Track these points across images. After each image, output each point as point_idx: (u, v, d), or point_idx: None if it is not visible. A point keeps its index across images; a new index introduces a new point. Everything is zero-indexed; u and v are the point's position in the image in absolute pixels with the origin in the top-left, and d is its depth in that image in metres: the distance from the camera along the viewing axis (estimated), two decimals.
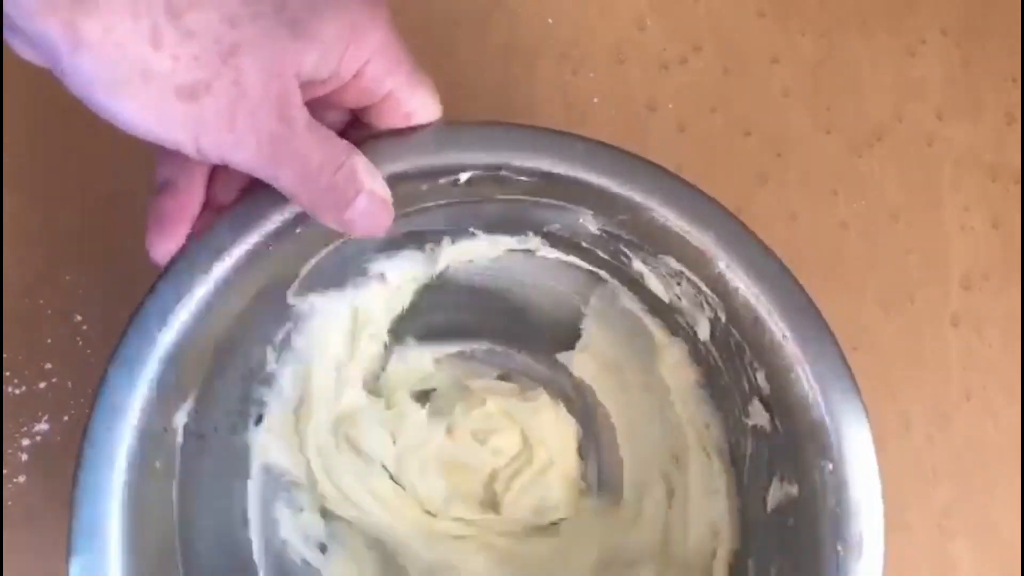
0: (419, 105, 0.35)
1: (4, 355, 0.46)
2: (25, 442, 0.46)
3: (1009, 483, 0.48)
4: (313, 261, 0.38)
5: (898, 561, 0.47)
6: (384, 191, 0.34)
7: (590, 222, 0.38)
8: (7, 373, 0.46)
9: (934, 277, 0.50)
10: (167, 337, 0.34)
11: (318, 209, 0.34)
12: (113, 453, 0.34)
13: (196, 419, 0.37)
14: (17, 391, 0.46)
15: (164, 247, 0.35)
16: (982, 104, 0.51)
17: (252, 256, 0.35)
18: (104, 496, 0.34)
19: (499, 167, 0.36)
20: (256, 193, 0.35)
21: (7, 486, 0.45)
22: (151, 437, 0.35)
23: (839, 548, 0.35)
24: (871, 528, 0.36)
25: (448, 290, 0.44)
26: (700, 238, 0.36)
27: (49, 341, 0.46)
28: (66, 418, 0.46)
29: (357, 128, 0.36)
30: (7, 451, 0.45)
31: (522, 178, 0.36)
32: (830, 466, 0.36)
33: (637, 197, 0.36)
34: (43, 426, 0.46)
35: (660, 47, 0.51)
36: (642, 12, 0.51)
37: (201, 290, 0.35)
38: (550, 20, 0.50)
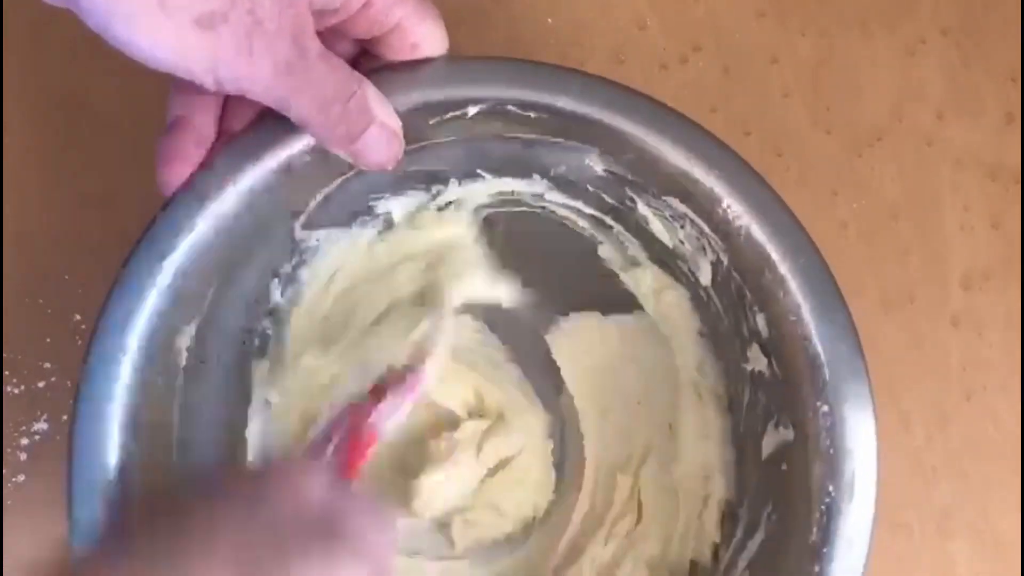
0: (426, 35, 0.36)
1: (4, 355, 0.46)
2: (24, 441, 0.46)
3: (1009, 483, 0.48)
4: (320, 195, 0.38)
5: (898, 561, 0.48)
6: (395, 122, 0.35)
7: (596, 162, 0.38)
8: (7, 373, 0.46)
9: (934, 277, 0.50)
10: (173, 259, 0.35)
11: (330, 138, 0.34)
12: (116, 367, 0.34)
13: (199, 343, 0.37)
14: (17, 391, 0.46)
15: (176, 183, 0.35)
16: (982, 104, 0.51)
17: (260, 185, 0.36)
18: (106, 409, 0.34)
19: (506, 102, 0.36)
20: (265, 123, 0.35)
21: (7, 486, 0.45)
22: (154, 355, 0.35)
23: (831, 490, 0.35)
24: (864, 469, 0.36)
25: None
26: (705, 177, 0.36)
27: (49, 341, 0.46)
28: (65, 417, 0.46)
29: (366, 60, 0.37)
30: (7, 450, 0.45)
31: (529, 114, 0.36)
32: (826, 408, 0.36)
33: (643, 134, 0.36)
34: (42, 426, 0.46)
35: (660, 47, 0.51)
36: (642, 12, 0.51)
37: (208, 215, 0.35)
38: (550, 20, 0.50)
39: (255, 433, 0.43)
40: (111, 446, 0.34)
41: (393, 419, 0.38)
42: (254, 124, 0.36)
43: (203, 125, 0.35)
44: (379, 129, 0.34)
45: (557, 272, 0.45)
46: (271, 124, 0.35)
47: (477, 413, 0.46)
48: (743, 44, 0.51)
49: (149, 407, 0.35)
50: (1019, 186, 0.50)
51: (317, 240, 0.41)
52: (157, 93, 0.36)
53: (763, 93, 0.51)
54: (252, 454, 0.43)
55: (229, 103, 0.36)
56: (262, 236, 0.38)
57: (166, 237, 0.35)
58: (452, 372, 0.46)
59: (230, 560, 0.26)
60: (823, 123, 0.50)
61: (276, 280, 0.42)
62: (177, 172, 0.35)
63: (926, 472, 0.48)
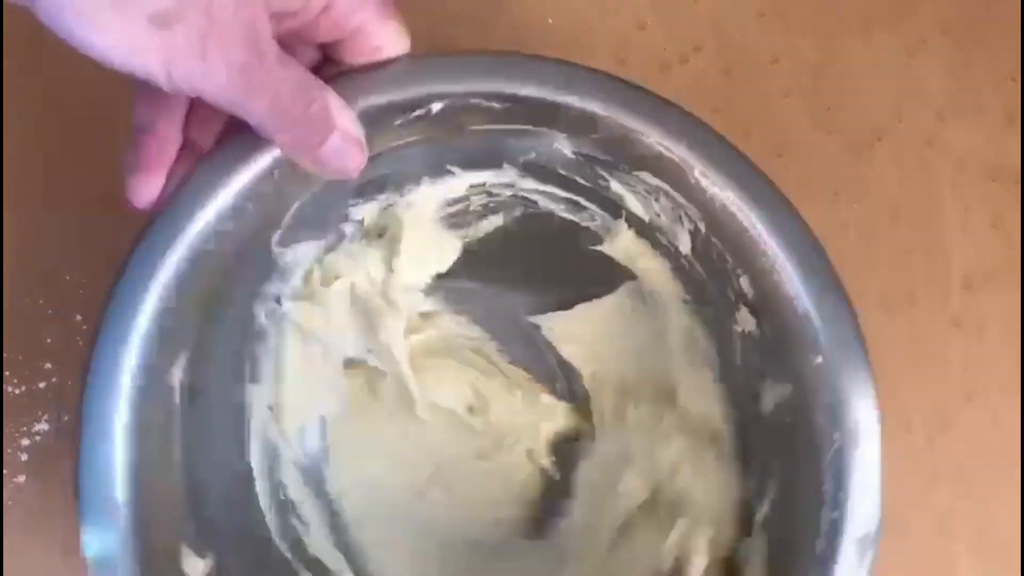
0: (388, 39, 0.35)
1: (4, 355, 0.46)
2: (25, 442, 0.46)
3: (1009, 484, 0.48)
4: (294, 208, 0.38)
5: (898, 561, 0.47)
6: (357, 130, 0.34)
7: (564, 145, 0.38)
8: (7, 373, 0.46)
9: (935, 278, 0.50)
10: (156, 291, 0.34)
11: (292, 146, 0.34)
12: (112, 409, 0.34)
13: (192, 375, 0.37)
14: (17, 391, 0.46)
15: (143, 191, 0.35)
16: (982, 104, 0.51)
17: (233, 206, 0.35)
18: (107, 454, 0.34)
19: (469, 95, 0.36)
20: (233, 139, 0.35)
21: (7, 486, 0.45)
22: (149, 392, 0.35)
23: (836, 437, 0.36)
24: (866, 413, 0.36)
25: None
26: (673, 148, 0.37)
27: (49, 341, 0.46)
28: (66, 418, 0.46)
29: (328, 67, 0.36)
30: (7, 451, 0.45)
31: (493, 104, 0.36)
32: (819, 359, 0.36)
33: (609, 112, 0.36)
34: (43, 426, 0.46)
35: (660, 47, 0.51)
36: (642, 12, 0.51)
37: (184, 244, 0.35)
38: (550, 20, 0.50)
39: (259, 460, 0.43)
40: (119, 494, 0.34)
41: None
42: (220, 143, 0.35)
43: (168, 132, 0.35)
44: (342, 137, 0.34)
45: (536, 260, 0.45)
46: (237, 140, 0.35)
47: (479, 411, 0.47)
48: (744, 44, 0.51)
49: (151, 452, 0.35)
50: (1019, 186, 0.50)
51: (294, 254, 0.41)
52: None
53: (764, 93, 0.51)
54: (260, 486, 0.42)
55: (194, 110, 0.36)
56: (241, 258, 0.37)
57: (146, 270, 0.34)
58: (447, 371, 0.46)
59: None
60: (823, 123, 0.50)
61: (259, 300, 0.41)
62: (142, 181, 0.35)
63: (926, 472, 0.48)
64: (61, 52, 0.50)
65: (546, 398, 0.47)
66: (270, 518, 0.42)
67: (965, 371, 0.49)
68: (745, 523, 0.40)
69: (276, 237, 0.39)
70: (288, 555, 0.43)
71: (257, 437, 0.43)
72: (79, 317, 0.46)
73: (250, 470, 0.42)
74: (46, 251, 0.47)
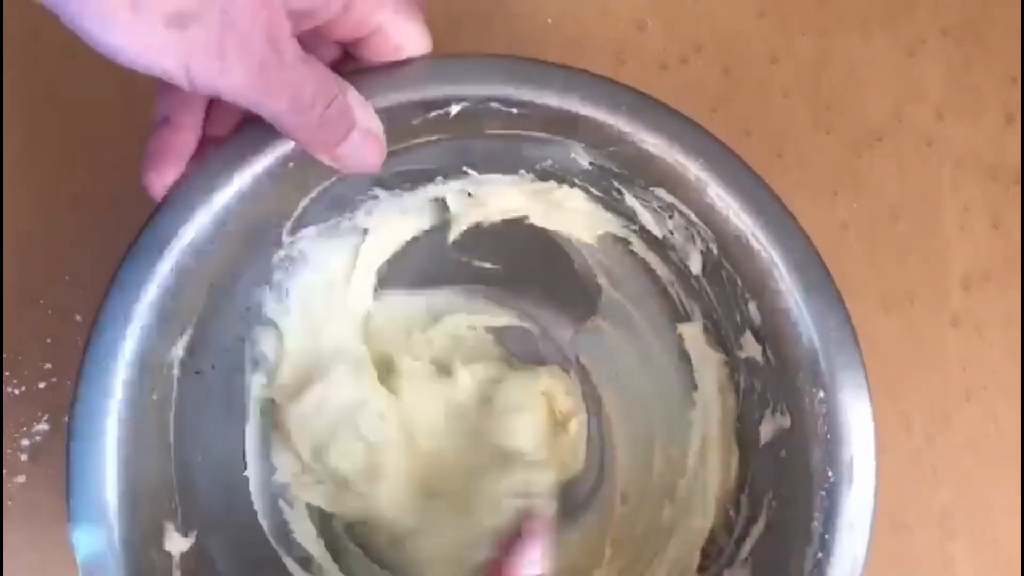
0: (409, 37, 0.35)
1: (4, 355, 0.46)
2: (25, 442, 0.46)
3: (1009, 483, 0.48)
4: (306, 200, 0.38)
5: (898, 561, 0.48)
6: (377, 126, 0.35)
7: (581, 155, 0.38)
8: (7, 373, 0.46)
9: (934, 277, 0.50)
10: (163, 269, 0.35)
11: (311, 143, 0.34)
12: (109, 382, 0.34)
13: (193, 355, 0.37)
14: (17, 391, 0.46)
15: (161, 183, 0.35)
16: (982, 104, 0.51)
17: (247, 191, 0.35)
18: (100, 426, 0.34)
19: (489, 99, 0.36)
20: (250, 128, 0.35)
21: (7, 486, 0.45)
22: (147, 368, 0.35)
23: (830, 475, 0.35)
24: (863, 453, 0.35)
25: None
26: (689, 165, 0.36)
27: (49, 341, 0.46)
28: (66, 418, 0.46)
29: (348, 63, 0.36)
30: (7, 451, 0.45)
31: (512, 110, 0.36)
32: (821, 393, 0.36)
33: (627, 126, 0.36)
34: (43, 426, 0.46)
35: (660, 47, 0.51)
36: (642, 12, 0.51)
37: (196, 224, 0.35)
38: (550, 20, 0.50)
39: (253, 443, 0.43)
40: (108, 468, 0.34)
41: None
42: (238, 130, 0.35)
43: (187, 126, 0.35)
44: (361, 134, 0.34)
45: (544, 279, 0.45)
46: (256, 129, 0.35)
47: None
48: (743, 44, 0.51)
49: (145, 426, 0.35)
50: (1019, 186, 0.50)
51: (305, 245, 0.41)
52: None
53: (763, 93, 0.51)
54: (252, 469, 0.42)
55: (214, 104, 0.36)
56: (251, 245, 0.38)
57: (155, 248, 0.35)
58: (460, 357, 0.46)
59: None
60: (823, 123, 0.50)
61: (267, 288, 0.41)
62: (160, 173, 0.35)
63: (926, 472, 0.48)
64: (61, 52, 0.51)
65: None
66: (257, 503, 0.42)
67: (964, 370, 0.49)
68: (732, 553, 0.40)
69: (287, 227, 0.39)
70: (271, 538, 0.42)
71: (253, 422, 0.43)
72: (79, 317, 0.46)
73: (243, 453, 0.42)
74: (46, 251, 0.47)
